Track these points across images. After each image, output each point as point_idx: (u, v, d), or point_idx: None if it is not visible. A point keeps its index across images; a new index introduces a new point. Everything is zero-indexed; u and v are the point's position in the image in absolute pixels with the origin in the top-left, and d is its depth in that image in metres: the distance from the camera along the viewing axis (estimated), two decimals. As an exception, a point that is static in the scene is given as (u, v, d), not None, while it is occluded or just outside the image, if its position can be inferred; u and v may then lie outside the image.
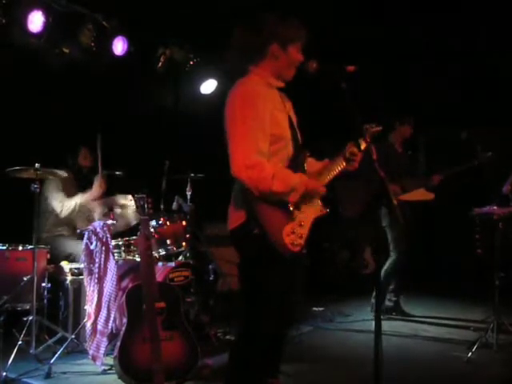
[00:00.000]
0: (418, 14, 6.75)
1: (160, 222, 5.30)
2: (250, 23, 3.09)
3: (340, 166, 3.15)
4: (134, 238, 5.09)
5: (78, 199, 5.40)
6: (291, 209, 2.89)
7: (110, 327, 4.45)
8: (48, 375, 4.21)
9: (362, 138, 3.07)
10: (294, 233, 2.85)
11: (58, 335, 4.71)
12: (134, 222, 5.32)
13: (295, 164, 3.01)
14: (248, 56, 3.07)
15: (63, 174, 5.01)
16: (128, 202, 5.25)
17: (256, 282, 2.98)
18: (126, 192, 5.28)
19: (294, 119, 3.17)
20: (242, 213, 2.90)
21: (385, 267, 6.12)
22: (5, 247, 4.75)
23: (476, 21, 6.70)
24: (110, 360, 4.37)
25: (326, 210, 3.05)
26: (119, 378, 4.01)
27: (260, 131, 2.88)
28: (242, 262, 3.05)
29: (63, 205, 5.37)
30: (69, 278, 4.98)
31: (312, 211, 2.99)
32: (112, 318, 4.46)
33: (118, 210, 5.24)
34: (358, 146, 3.12)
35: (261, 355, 3.01)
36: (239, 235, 2.97)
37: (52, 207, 5.39)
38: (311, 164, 3.18)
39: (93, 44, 6.00)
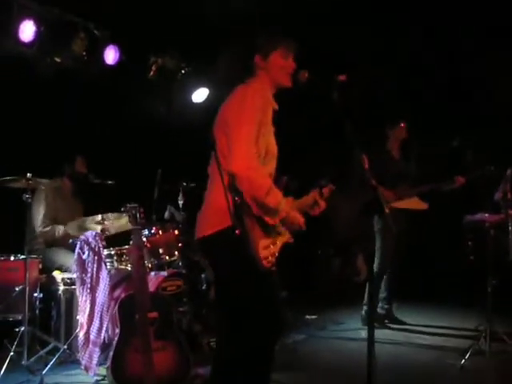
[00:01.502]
0: (415, 23, 6.79)
1: (152, 232, 5.29)
2: (232, 45, 3.16)
3: (306, 205, 3.19)
4: (127, 247, 5.08)
5: (61, 229, 5.35)
6: (271, 225, 2.91)
7: (102, 337, 4.43)
8: (40, 386, 4.18)
9: (320, 191, 3.19)
10: (268, 249, 2.87)
11: (51, 346, 4.66)
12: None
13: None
14: (240, 74, 3.13)
15: (53, 183, 4.97)
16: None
17: (234, 290, 2.99)
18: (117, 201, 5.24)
19: None
20: (222, 218, 2.83)
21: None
22: (-4, 257, 4.74)
23: (469, 28, 6.74)
24: (102, 370, 4.35)
25: (292, 240, 3.08)
26: (112, 388, 3.99)
27: (260, 135, 2.91)
28: (220, 269, 3.06)
29: (44, 225, 5.34)
30: (61, 287, 4.96)
31: (283, 235, 3.02)
32: (104, 328, 4.44)
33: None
34: (321, 194, 3.20)
35: (252, 362, 3.01)
36: (217, 240, 2.93)
37: (33, 221, 5.34)
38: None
39: (84, 53, 6.00)
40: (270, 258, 2.86)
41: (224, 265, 3.01)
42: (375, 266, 6.07)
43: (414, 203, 6.05)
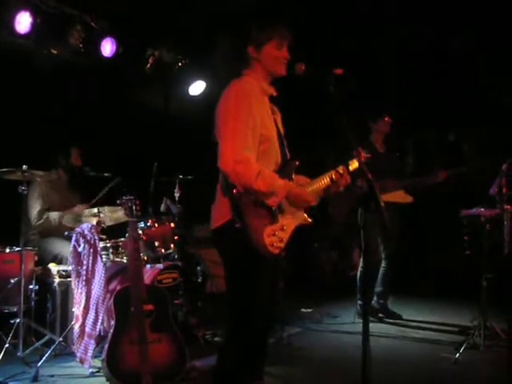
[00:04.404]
0: (409, 17, 6.78)
1: (148, 224, 5.29)
2: (229, 37, 3.19)
3: (324, 183, 3.21)
4: (122, 239, 5.08)
5: (57, 215, 5.35)
6: (274, 211, 2.93)
7: (97, 329, 4.43)
8: (35, 378, 4.17)
9: (352, 160, 3.21)
10: (275, 235, 2.89)
11: (46, 338, 4.67)
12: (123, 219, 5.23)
13: (283, 173, 3.05)
14: (236, 64, 3.16)
15: (49, 175, 4.93)
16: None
17: (239, 280, 3.01)
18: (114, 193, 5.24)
19: (282, 131, 3.23)
20: (227, 211, 2.90)
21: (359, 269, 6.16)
22: (-8, 249, 4.74)
23: (464, 23, 6.74)
24: (97, 362, 4.36)
25: (309, 221, 3.12)
26: (107, 380, 3.99)
27: (250, 129, 2.93)
28: (225, 262, 3.07)
29: (39, 215, 5.36)
30: (56, 280, 4.96)
31: (296, 218, 3.05)
32: (100, 321, 4.44)
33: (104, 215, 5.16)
34: (347, 168, 3.22)
35: (247, 355, 3.03)
36: (222, 233, 2.98)
37: (29, 214, 5.36)
38: (299, 178, 3.23)
39: (81, 45, 5.98)
40: (276, 243, 2.88)
41: (230, 256, 3.04)
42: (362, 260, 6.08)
43: (399, 196, 6.04)
